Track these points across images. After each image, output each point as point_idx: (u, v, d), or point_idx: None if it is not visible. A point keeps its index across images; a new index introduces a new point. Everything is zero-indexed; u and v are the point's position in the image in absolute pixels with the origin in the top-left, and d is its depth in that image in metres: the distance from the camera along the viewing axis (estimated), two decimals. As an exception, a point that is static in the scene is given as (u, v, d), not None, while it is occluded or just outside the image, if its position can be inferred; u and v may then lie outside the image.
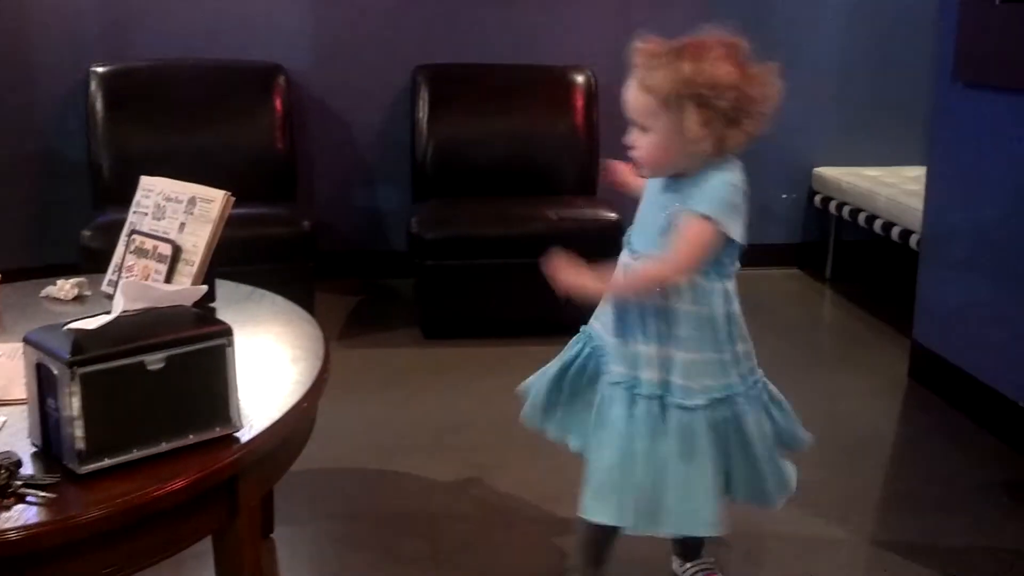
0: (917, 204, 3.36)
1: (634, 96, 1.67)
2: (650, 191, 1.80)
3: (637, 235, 1.81)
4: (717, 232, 1.64)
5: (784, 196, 4.49)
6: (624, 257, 1.83)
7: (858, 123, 4.43)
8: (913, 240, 3.49)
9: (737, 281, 1.77)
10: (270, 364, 1.76)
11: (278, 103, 3.95)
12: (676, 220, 1.68)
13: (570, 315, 3.93)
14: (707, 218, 1.63)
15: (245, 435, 1.43)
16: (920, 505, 2.46)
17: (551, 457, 2.69)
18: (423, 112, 4.00)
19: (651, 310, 1.72)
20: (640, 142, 1.69)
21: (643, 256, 1.76)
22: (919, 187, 3.36)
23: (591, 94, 4.06)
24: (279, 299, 2.14)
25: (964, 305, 3.01)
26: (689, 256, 1.66)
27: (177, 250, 1.97)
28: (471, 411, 3.00)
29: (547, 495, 2.46)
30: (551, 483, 2.52)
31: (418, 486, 2.53)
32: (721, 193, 1.65)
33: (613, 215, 3.55)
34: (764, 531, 2.25)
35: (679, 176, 1.71)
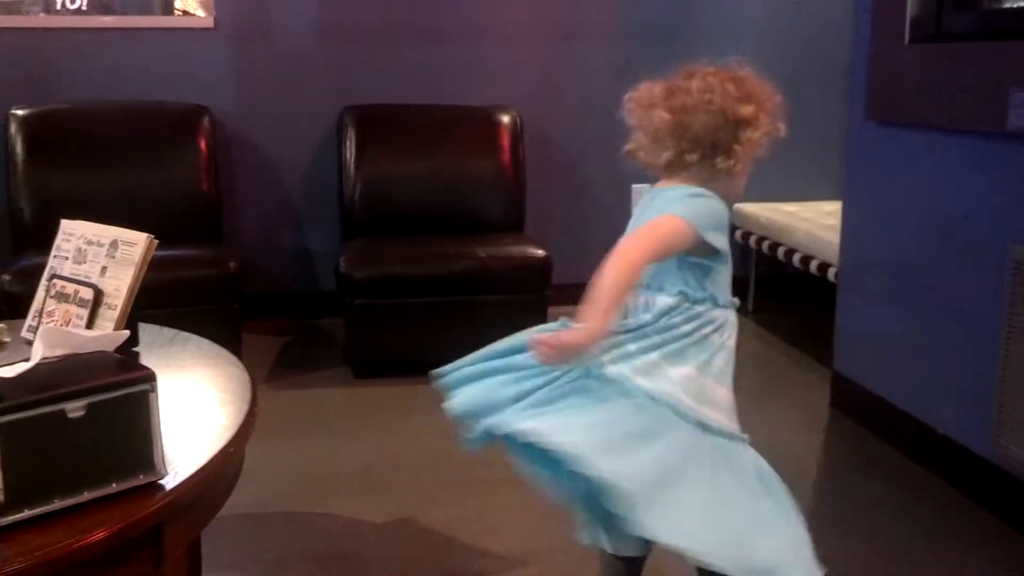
0: (834, 238, 3.46)
1: None
2: None
3: None
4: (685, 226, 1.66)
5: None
6: None
7: (776, 160, 4.53)
8: (831, 273, 3.59)
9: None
10: (195, 409, 1.74)
11: (203, 144, 3.93)
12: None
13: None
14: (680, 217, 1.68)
15: (170, 482, 1.41)
16: (845, 531, 2.52)
17: (484, 494, 2.70)
18: (350, 152, 4.01)
19: None
20: None
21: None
22: (835, 221, 3.47)
23: (517, 133, 4.11)
24: (204, 342, 2.11)
25: (881, 335, 3.10)
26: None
27: (99, 294, 1.94)
28: (402, 450, 2.99)
29: (481, 531, 2.46)
30: (485, 520, 2.53)
31: (350, 528, 2.51)
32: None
33: (541, 252, 3.59)
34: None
35: None
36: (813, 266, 3.79)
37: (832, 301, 3.37)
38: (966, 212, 2.68)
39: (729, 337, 1.75)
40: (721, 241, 1.71)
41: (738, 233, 4.45)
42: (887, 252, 3.07)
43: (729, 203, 1.78)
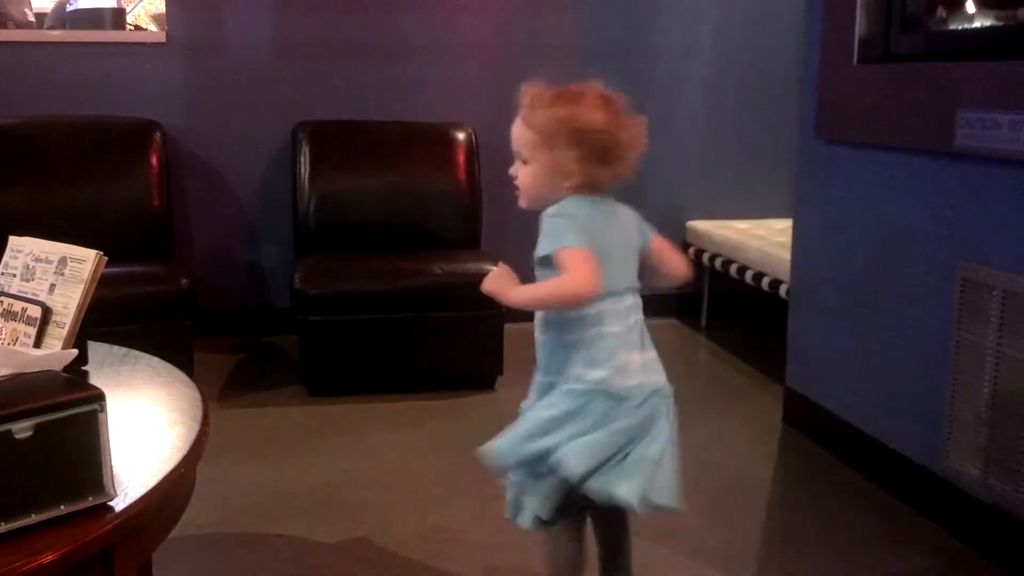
0: (785, 255, 3.50)
1: (519, 130, 1.85)
2: None
3: None
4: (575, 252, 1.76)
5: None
6: None
7: (728, 178, 4.61)
8: (783, 290, 3.63)
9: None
10: (146, 429, 1.72)
11: (154, 160, 3.88)
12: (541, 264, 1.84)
13: (455, 370, 3.92)
14: (559, 252, 1.77)
15: (119, 504, 1.39)
16: (798, 545, 2.54)
17: (439, 511, 2.69)
18: (304, 168, 3.99)
19: None
20: (521, 173, 1.87)
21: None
22: (786, 239, 3.51)
23: (472, 150, 4.12)
24: (155, 360, 2.09)
25: (832, 351, 3.14)
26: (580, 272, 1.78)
27: (47, 312, 1.91)
28: (358, 468, 2.96)
29: (436, 552, 2.45)
30: (440, 539, 2.51)
31: (305, 548, 2.48)
32: (548, 227, 1.81)
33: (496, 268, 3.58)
34: (648, 574, 2.29)
35: None
36: (765, 283, 3.83)
37: (784, 318, 3.41)
38: (915, 229, 2.73)
39: None
40: None
41: (691, 250, 4.49)
42: (837, 269, 3.11)
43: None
